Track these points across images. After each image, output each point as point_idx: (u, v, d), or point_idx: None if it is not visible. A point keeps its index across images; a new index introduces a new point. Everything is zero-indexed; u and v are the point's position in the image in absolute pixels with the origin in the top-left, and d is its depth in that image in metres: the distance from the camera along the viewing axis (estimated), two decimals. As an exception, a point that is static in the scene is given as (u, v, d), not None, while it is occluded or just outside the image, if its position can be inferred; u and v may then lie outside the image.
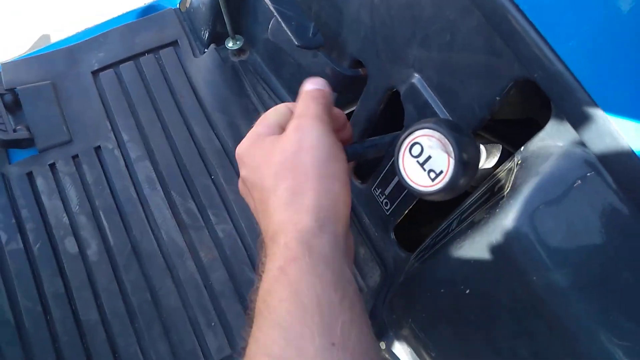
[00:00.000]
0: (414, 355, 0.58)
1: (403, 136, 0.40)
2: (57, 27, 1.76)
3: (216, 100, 0.74)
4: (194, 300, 0.64)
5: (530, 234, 0.36)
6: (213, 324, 0.63)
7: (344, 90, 0.62)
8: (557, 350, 0.36)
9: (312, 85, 0.43)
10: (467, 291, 0.43)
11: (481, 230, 0.41)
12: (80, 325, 0.63)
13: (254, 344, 0.33)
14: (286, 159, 0.38)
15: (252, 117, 0.74)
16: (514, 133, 0.62)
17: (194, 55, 0.79)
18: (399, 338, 0.61)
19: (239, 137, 0.73)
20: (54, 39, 1.72)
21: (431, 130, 0.38)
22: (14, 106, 0.74)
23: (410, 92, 0.51)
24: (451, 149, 0.37)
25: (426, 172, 0.39)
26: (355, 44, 0.57)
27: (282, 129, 0.41)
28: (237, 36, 0.78)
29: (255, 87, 0.76)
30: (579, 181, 0.35)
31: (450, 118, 0.47)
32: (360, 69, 0.59)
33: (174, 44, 0.80)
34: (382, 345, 0.62)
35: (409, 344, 0.59)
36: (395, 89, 0.54)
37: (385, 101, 0.57)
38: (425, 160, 0.39)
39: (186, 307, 0.64)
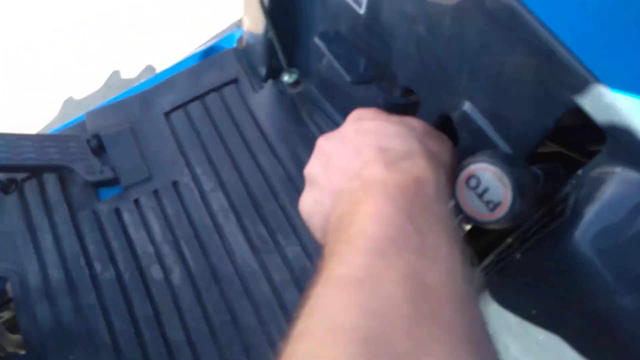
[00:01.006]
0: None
1: (459, 169, 0.43)
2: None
3: (277, 131, 0.80)
4: (270, 320, 0.69)
5: (594, 260, 0.38)
6: (288, 342, 0.68)
7: (398, 117, 0.65)
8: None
9: None
10: (534, 312, 0.45)
11: (544, 256, 0.43)
12: (169, 345, 0.69)
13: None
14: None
15: (311, 144, 0.78)
16: (572, 138, 0.63)
17: (254, 90, 0.85)
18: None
19: (300, 164, 0.78)
20: (104, 63, 1.82)
21: (486, 164, 0.41)
22: (99, 150, 0.82)
23: (462, 119, 0.53)
24: (508, 181, 0.40)
25: (484, 203, 0.42)
26: (404, 75, 0.61)
27: None
28: (292, 69, 0.83)
29: (312, 115, 0.81)
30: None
31: (505, 143, 0.49)
32: (411, 96, 0.62)
33: (235, 81, 0.86)
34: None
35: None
36: (447, 114, 0.57)
37: (439, 126, 0.60)
38: (483, 192, 0.42)
39: (263, 326, 0.69)
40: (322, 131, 0.80)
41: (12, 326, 0.82)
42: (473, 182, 0.42)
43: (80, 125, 0.86)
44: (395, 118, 0.43)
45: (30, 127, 1.75)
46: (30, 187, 0.81)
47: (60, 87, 1.83)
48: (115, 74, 1.89)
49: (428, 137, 0.42)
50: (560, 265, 0.41)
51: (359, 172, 0.35)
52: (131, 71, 1.86)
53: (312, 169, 0.41)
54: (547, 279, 0.44)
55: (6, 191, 0.81)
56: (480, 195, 0.42)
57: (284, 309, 0.70)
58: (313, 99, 0.83)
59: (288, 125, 0.80)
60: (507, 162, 0.40)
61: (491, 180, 0.41)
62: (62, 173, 0.79)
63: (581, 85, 0.37)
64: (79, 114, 1.80)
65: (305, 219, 0.41)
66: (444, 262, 0.28)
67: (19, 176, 0.81)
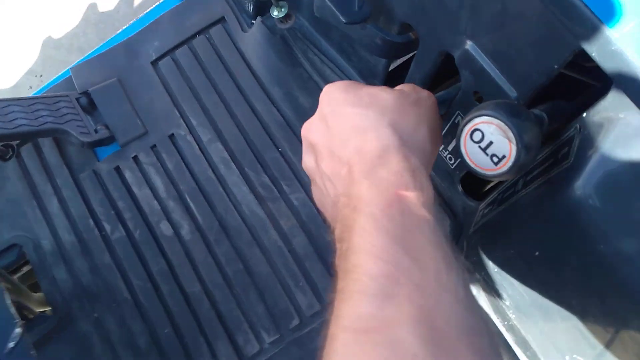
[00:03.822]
0: (490, 299, 0.62)
1: (463, 122, 0.42)
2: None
3: (271, 73, 0.77)
4: (281, 265, 0.71)
5: (596, 206, 0.38)
6: (301, 284, 0.70)
7: (397, 56, 0.62)
8: (628, 311, 0.39)
9: None
10: (537, 253, 0.46)
11: (548, 200, 0.43)
12: (187, 296, 0.72)
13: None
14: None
15: (307, 85, 0.76)
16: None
17: (243, 29, 0.80)
18: (474, 282, 0.66)
19: (298, 108, 0.75)
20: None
21: (490, 117, 0.39)
22: (90, 107, 0.80)
23: (464, 58, 0.51)
24: (512, 135, 0.38)
25: (489, 156, 0.41)
26: (402, 8, 0.57)
27: None
28: (281, 2, 0.78)
29: (306, 53, 0.77)
30: (643, 153, 0.36)
31: (509, 85, 0.47)
32: (410, 33, 0.59)
33: (221, 20, 0.81)
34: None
35: (484, 290, 0.63)
36: (448, 53, 0.54)
37: (440, 64, 0.57)
38: (487, 146, 0.40)
39: (275, 272, 0.71)
40: (318, 70, 0.76)
41: (30, 287, 0.85)
42: (477, 136, 0.41)
43: (66, 82, 0.83)
44: (365, 97, 0.42)
45: (13, 71, 1.70)
46: (27, 152, 0.80)
47: (37, 26, 1.75)
48: (92, 7, 1.80)
49: (401, 112, 0.41)
50: (563, 209, 0.41)
51: (344, 188, 0.37)
52: (108, 3, 1.77)
53: (306, 165, 0.45)
54: (550, 221, 0.44)
55: (4, 158, 0.80)
56: (484, 149, 0.41)
57: (294, 254, 0.71)
58: (305, 34, 0.79)
59: (281, 66, 0.77)
60: (511, 115, 0.39)
61: (495, 134, 0.39)
62: (57, 135, 0.77)
63: (588, 31, 0.34)
64: (59, 54, 1.73)
65: (320, 208, 0.45)
66: (447, 295, 0.29)
67: (15, 141, 0.80)
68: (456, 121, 0.59)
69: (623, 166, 0.37)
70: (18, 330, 0.56)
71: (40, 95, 0.78)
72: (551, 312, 0.49)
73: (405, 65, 0.68)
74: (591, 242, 0.39)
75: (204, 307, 0.71)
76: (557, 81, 0.45)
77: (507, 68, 0.47)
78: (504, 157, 0.39)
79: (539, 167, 0.48)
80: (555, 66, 0.42)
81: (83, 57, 0.84)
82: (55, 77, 0.84)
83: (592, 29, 0.34)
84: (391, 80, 0.72)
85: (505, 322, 0.61)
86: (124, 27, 0.84)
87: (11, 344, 0.55)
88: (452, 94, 0.58)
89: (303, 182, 0.73)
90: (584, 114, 0.41)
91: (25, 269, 0.88)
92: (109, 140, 0.78)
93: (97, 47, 0.85)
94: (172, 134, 0.77)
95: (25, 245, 0.76)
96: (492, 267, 0.56)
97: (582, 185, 0.39)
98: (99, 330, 0.72)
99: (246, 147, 0.75)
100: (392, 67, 0.74)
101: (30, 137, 0.76)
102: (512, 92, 0.47)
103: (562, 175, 0.41)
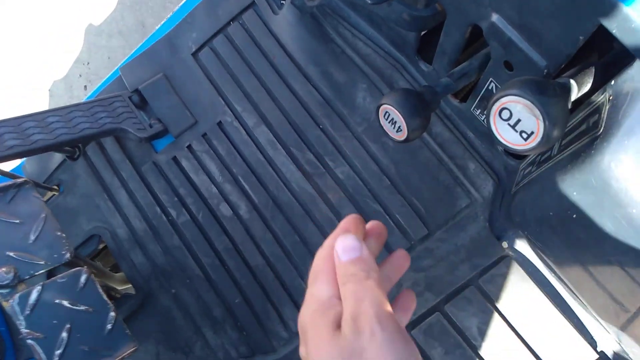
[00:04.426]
0: (537, 253, 0.65)
1: (491, 102, 0.44)
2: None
3: (305, 53, 0.79)
4: (334, 235, 0.76)
5: (625, 174, 0.40)
6: (354, 252, 0.75)
7: (425, 28, 0.63)
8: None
9: (348, 254, 0.34)
10: (574, 216, 0.48)
11: (581, 168, 0.45)
12: (252, 269, 0.79)
13: None
14: None
15: (339, 60, 0.78)
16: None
17: (274, 12, 0.82)
18: (519, 237, 0.68)
19: (334, 85, 0.78)
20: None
21: (516, 97, 0.41)
22: (142, 103, 0.86)
23: (492, 30, 0.52)
24: (538, 112, 0.40)
25: (518, 132, 0.43)
26: (427, -17, 0.57)
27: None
28: (308, -20, 0.79)
29: (337, 28, 0.79)
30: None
31: (537, 54, 0.48)
32: (437, 5, 0.60)
33: (252, 5, 0.84)
34: (505, 244, 0.70)
35: (530, 246, 0.66)
36: (476, 24, 0.55)
37: (469, 34, 0.58)
38: (516, 123, 0.42)
39: (329, 241, 0.76)
40: (349, 43, 0.78)
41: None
42: (505, 114, 0.43)
43: (117, 82, 0.88)
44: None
45: (62, 63, 1.78)
46: (92, 150, 0.88)
47: (77, 15, 1.82)
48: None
49: None
50: (595, 175, 0.43)
51: None
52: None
53: (306, 322, 0.35)
54: (584, 186, 0.46)
55: (73, 158, 0.88)
56: (513, 126, 0.43)
57: (345, 224, 0.76)
58: (335, 9, 0.80)
59: (314, 44, 0.79)
60: (537, 92, 0.40)
61: (522, 112, 0.41)
62: (116, 134, 0.84)
63: (607, 10, 0.35)
64: (102, 40, 1.80)
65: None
66: None
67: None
68: (490, 87, 0.60)
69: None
70: (112, 314, 0.65)
71: (96, 98, 0.84)
72: (591, 267, 0.52)
73: (436, 29, 0.69)
74: (623, 207, 0.41)
75: (269, 278, 0.78)
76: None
77: (534, 39, 0.48)
78: (532, 132, 0.41)
79: (572, 132, 0.49)
80: (581, 37, 0.43)
81: (123, 40, 0.89)
82: (105, 79, 0.90)
83: (610, 7, 0.35)
84: (423, 44, 0.73)
85: (554, 274, 0.64)
86: (157, 9, 0.88)
87: (109, 326, 0.64)
88: (474, 65, 0.59)
89: (346, 156, 0.76)
90: (612, 82, 0.42)
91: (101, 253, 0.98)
92: (163, 132, 0.84)
93: (135, 29, 0.89)
94: (220, 122, 0.82)
95: (103, 234, 0.85)
96: (534, 227, 0.59)
97: (612, 153, 0.41)
98: (178, 304, 0.81)
99: (289, 127, 0.79)
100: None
101: (93, 138, 0.83)
102: (542, 62, 0.48)
103: (594, 142, 0.43)
